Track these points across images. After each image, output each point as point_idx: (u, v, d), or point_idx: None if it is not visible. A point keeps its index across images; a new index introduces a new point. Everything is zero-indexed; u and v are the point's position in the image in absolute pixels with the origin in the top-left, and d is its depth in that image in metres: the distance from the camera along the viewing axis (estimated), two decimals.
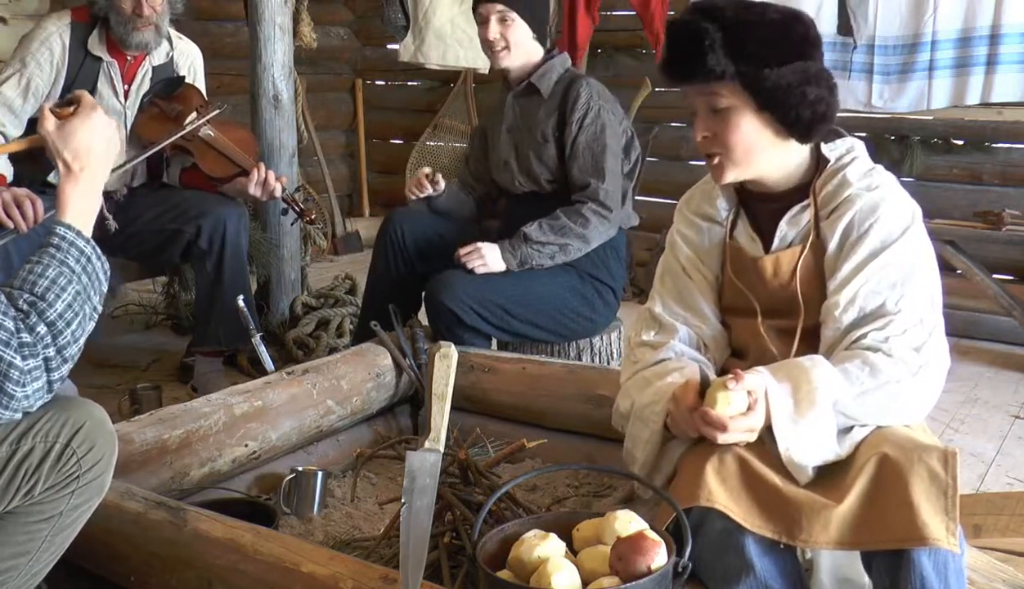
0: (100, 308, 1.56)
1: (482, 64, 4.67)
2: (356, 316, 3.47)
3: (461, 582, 1.74)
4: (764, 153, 1.74)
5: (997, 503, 2.21)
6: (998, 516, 2.15)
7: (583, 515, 1.64)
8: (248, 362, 3.56)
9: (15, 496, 1.49)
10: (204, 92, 3.50)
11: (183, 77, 3.44)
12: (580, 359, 2.99)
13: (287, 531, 2.19)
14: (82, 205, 1.58)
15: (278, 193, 3.33)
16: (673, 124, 5.22)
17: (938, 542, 1.42)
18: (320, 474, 2.35)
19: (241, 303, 3.04)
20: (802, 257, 1.77)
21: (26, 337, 1.42)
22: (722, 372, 1.83)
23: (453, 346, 1.73)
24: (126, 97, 3.35)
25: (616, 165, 2.92)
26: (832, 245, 1.74)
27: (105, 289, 1.58)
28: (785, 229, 1.80)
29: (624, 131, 3.00)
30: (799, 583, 1.58)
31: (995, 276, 4.10)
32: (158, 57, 3.40)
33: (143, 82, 3.38)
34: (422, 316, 2.97)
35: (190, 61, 3.53)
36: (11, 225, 2.80)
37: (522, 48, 2.95)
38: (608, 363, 3.02)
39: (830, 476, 1.59)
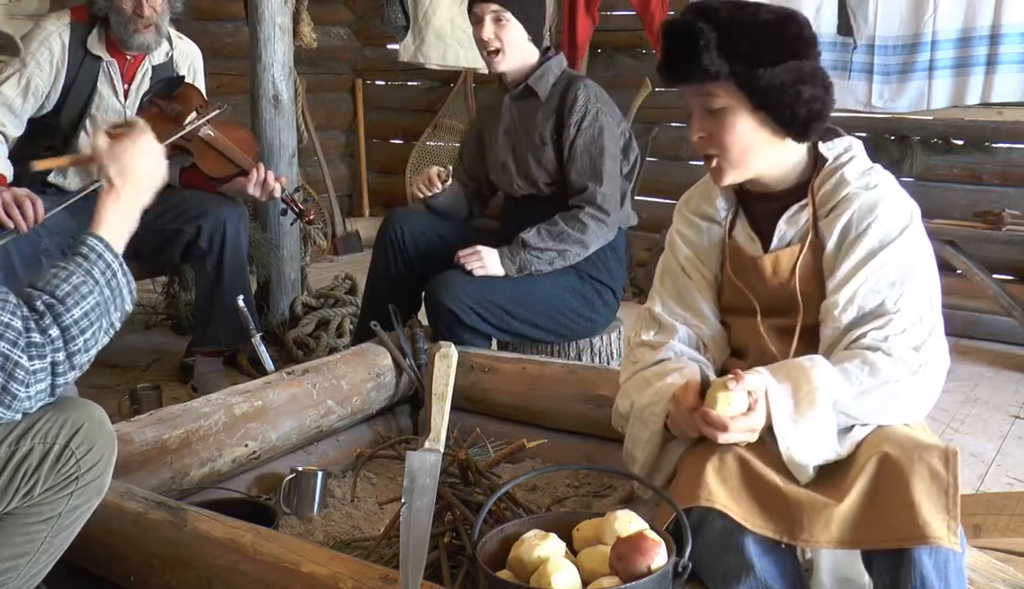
0: (118, 326, 1.58)
1: (482, 64, 4.66)
2: (356, 316, 3.46)
3: (461, 582, 1.74)
4: (761, 153, 1.75)
5: (997, 503, 2.21)
6: (998, 516, 2.15)
7: (583, 515, 1.64)
8: (248, 362, 3.56)
9: (14, 497, 1.49)
10: (204, 92, 3.49)
11: (183, 77, 3.44)
12: (580, 359, 2.99)
13: (287, 531, 2.19)
14: (117, 221, 1.60)
15: (277, 193, 3.33)
16: (673, 124, 5.22)
17: (939, 540, 1.42)
18: (320, 474, 2.35)
19: (241, 303, 3.04)
20: (801, 256, 1.77)
21: (36, 337, 1.42)
22: (722, 372, 1.83)
23: (453, 346, 1.73)
24: (126, 96, 3.34)
25: (614, 168, 2.91)
26: (831, 244, 1.74)
27: (128, 308, 1.60)
28: (784, 228, 1.80)
29: (622, 132, 2.99)
30: (799, 583, 1.58)
31: (995, 276, 4.10)
32: (158, 57, 3.40)
33: (143, 81, 3.38)
34: (422, 316, 2.97)
35: (190, 61, 3.53)
36: (11, 225, 2.80)
37: (517, 49, 2.93)
38: (608, 363, 3.01)
39: (831, 475, 1.59)
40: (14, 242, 2.86)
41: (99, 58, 3.29)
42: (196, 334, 3.50)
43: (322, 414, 2.57)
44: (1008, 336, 4.17)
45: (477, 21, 2.93)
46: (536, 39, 2.97)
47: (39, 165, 2.08)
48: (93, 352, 1.51)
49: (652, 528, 1.50)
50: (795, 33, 1.71)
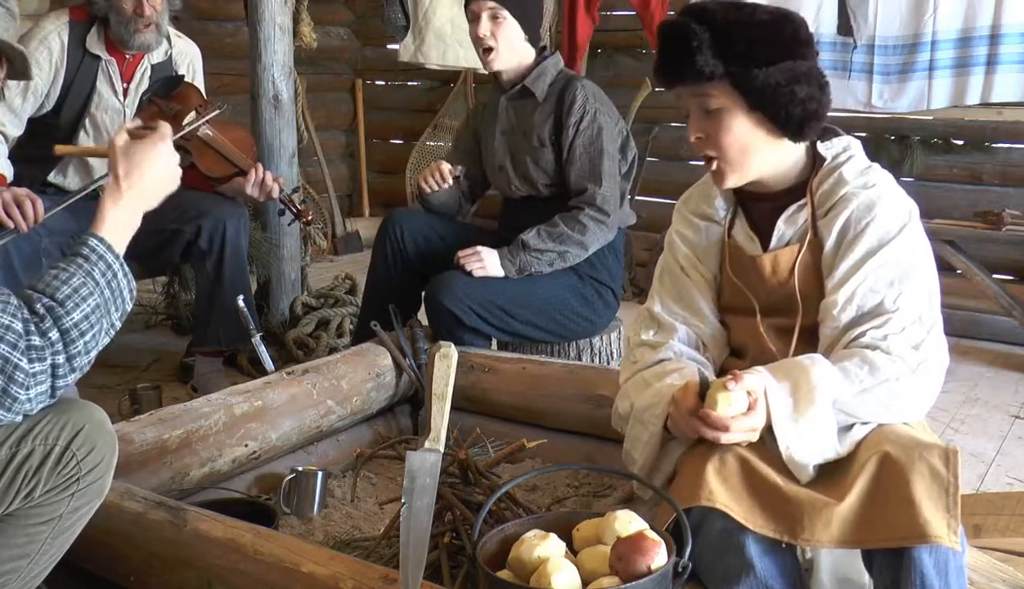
0: (118, 325, 1.57)
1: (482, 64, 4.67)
2: (356, 316, 3.46)
3: (461, 582, 1.74)
4: (758, 153, 1.75)
5: (997, 503, 2.21)
6: (998, 516, 2.15)
7: (583, 515, 1.64)
8: (248, 362, 3.56)
9: (15, 499, 1.49)
10: (203, 91, 3.49)
11: (182, 76, 3.44)
12: (580, 359, 2.99)
13: (287, 531, 2.19)
14: (119, 221, 1.60)
15: (275, 194, 3.32)
16: (673, 124, 5.22)
17: (939, 539, 1.42)
18: (320, 474, 2.35)
19: (241, 303, 3.04)
20: (800, 255, 1.77)
21: (36, 340, 1.42)
22: (721, 371, 1.83)
23: (453, 346, 1.73)
24: (125, 95, 3.34)
25: (613, 168, 2.91)
26: (829, 243, 1.74)
27: (128, 307, 1.59)
28: (783, 228, 1.80)
29: (620, 132, 2.98)
30: (799, 583, 1.58)
31: (995, 276, 4.10)
32: (157, 55, 3.40)
33: (142, 80, 3.38)
34: (422, 316, 2.97)
35: (189, 59, 3.53)
36: (11, 225, 2.80)
37: (513, 48, 2.92)
38: (608, 363, 3.01)
39: (831, 475, 1.59)
40: (14, 242, 2.86)
41: (98, 57, 3.29)
42: (196, 334, 3.50)
43: (322, 414, 2.57)
44: (1008, 336, 4.17)
45: (474, 18, 2.91)
46: (532, 39, 2.95)
47: (60, 150, 2.05)
48: (94, 354, 1.51)
49: (652, 528, 1.50)
50: (791, 33, 1.71)
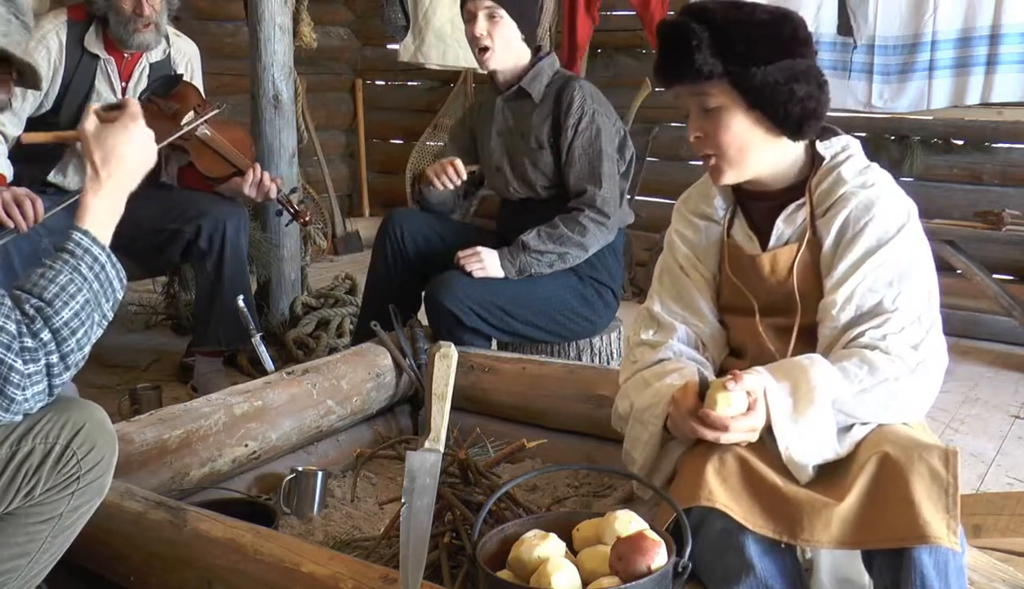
0: (111, 315, 1.56)
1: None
2: (356, 316, 3.46)
3: (461, 582, 1.74)
4: (757, 152, 1.75)
5: (997, 503, 2.21)
6: (998, 516, 2.14)
7: (583, 515, 1.64)
8: (248, 362, 3.56)
9: (15, 497, 1.49)
10: (202, 90, 3.49)
11: (181, 75, 3.44)
12: (580, 359, 2.99)
13: (287, 531, 2.19)
14: (102, 211, 1.58)
15: (273, 194, 3.32)
16: (673, 124, 5.22)
17: (939, 540, 1.42)
18: (320, 474, 2.35)
19: (241, 303, 3.03)
20: (799, 255, 1.77)
21: (29, 342, 1.42)
22: (721, 371, 1.83)
23: (453, 346, 1.73)
24: (123, 94, 3.34)
25: (612, 169, 2.90)
26: (828, 242, 1.74)
27: (119, 297, 1.58)
28: (782, 227, 1.80)
29: (618, 131, 2.97)
30: (799, 583, 1.58)
31: (995, 276, 4.10)
32: (155, 54, 3.40)
33: (140, 79, 3.38)
34: (422, 316, 2.97)
35: (187, 59, 3.53)
36: (11, 225, 2.80)
37: (510, 48, 2.91)
38: (608, 363, 3.01)
39: (831, 475, 1.59)
40: (14, 242, 2.86)
41: (96, 56, 3.29)
42: (196, 334, 3.50)
43: (322, 414, 2.57)
44: (1008, 336, 4.17)
45: (470, 18, 2.90)
46: (529, 38, 2.94)
47: (26, 138, 2.02)
48: (87, 349, 1.51)
49: (652, 528, 1.50)
50: (790, 32, 1.71)
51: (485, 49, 2.90)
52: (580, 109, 2.87)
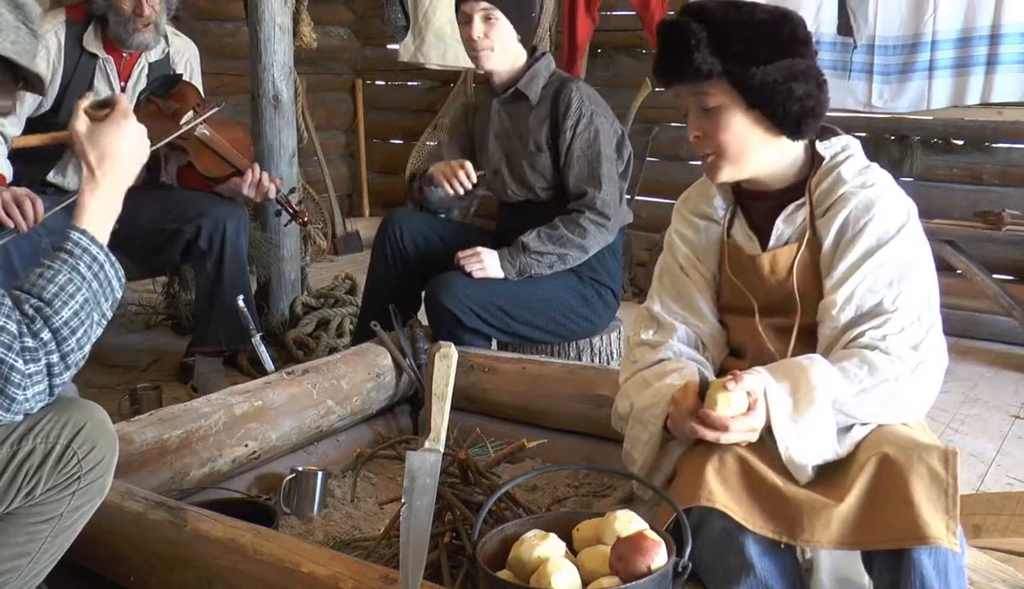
0: (110, 314, 1.56)
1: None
2: (356, 316, 3.46)
3: (461, 582, 1.74)
4: (756, 151, 1.75)
5: (997, 503, 2.21)
6: (998, 516, 2.14)
7: (583, 515, 1.64)
8: (248, 362, 3.56)
9: (16, 497, 1.49)
10: (201, 89, 3.49)
11: (180, 75, 3.44)
12: (580, 359, 2.99)
13: (287, 531, 2.20)
14: (100, 210, 1.58)
15: (272, 194, 3.32)
16: (673, 124, 5.22)
17: (939, 541, 1.42)
18: (320, 474, 2.35)
19: (241, 303, 3.03)
20: (799, 255, 1.77)
21: (29, 342, 1.42)
22: (721, 371, 1.83)
23: (453, 346, 1.73)
24: (123, 93, 3.34)
25: (612, 170, 2.89)
26: (828, 242, 1.75)
27: (118, 295, 1.58)
28: (781, 227, 1.80)
29: (615, 132, 2.96)
30: (799, 583, 1.58)
31: (995, 276, 4.10)
32: (154, 53, 3.40)
33: (139, 79, 3.38)
34: (422, 316, 2.97)
35: (186, 58, 3.53)
36: (11, 225, 2.80)
37: (507, 49, 2.89)
38: (608, 363, 3.01)
39: (830, 475, 1.59)
40: (14, 242, 2.86)
41: (95, 56, 3.29)
42: (196, 334, 3.50)
43: (322, 414, 2.57)
44: (1008, 336, 4.17)
45: (466, 20, 2.88)
46: (525, 40, 2.94)
47: (17, 142, 2.01)
48: (88, 348, 1.51)
49: (652, 528, 1.50)
50: (789, 32, 1.71)
51: (481, 51, 2.89)
52: (578, 111, 2.86)
